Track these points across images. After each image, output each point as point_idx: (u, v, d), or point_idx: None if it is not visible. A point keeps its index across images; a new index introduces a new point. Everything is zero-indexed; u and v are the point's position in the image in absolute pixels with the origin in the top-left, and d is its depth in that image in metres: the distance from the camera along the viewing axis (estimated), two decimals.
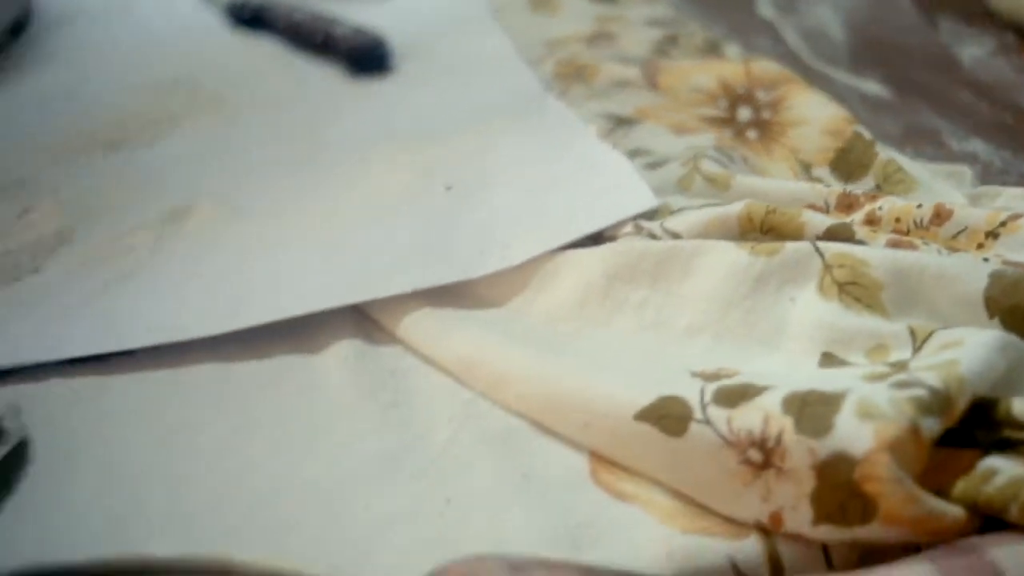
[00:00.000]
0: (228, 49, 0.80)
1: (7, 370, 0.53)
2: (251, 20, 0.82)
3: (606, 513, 0.46)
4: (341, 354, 0.55)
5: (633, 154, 0.62)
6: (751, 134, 0.64)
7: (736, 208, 0.54)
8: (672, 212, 0.56)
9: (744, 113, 0.66)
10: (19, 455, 0.50)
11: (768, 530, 0.45)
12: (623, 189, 0.58)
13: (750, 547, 0.44)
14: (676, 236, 0.55)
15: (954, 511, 0.42)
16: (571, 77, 0.71)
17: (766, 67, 0.68)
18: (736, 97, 0.66)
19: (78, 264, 0.61)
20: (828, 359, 0.48)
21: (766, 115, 0.65)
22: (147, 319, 0.56)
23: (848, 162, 0.60)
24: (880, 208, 0.54)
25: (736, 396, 0.45)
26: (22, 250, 0.62)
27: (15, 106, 0.75)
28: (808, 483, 0.43)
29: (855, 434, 0.42)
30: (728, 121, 0.65)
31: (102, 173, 0.68)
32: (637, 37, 0.74)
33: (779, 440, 0.44)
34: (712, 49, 0.72)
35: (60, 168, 0.68)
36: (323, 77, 0.76)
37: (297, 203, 0.63)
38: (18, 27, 0.83)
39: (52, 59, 0.81)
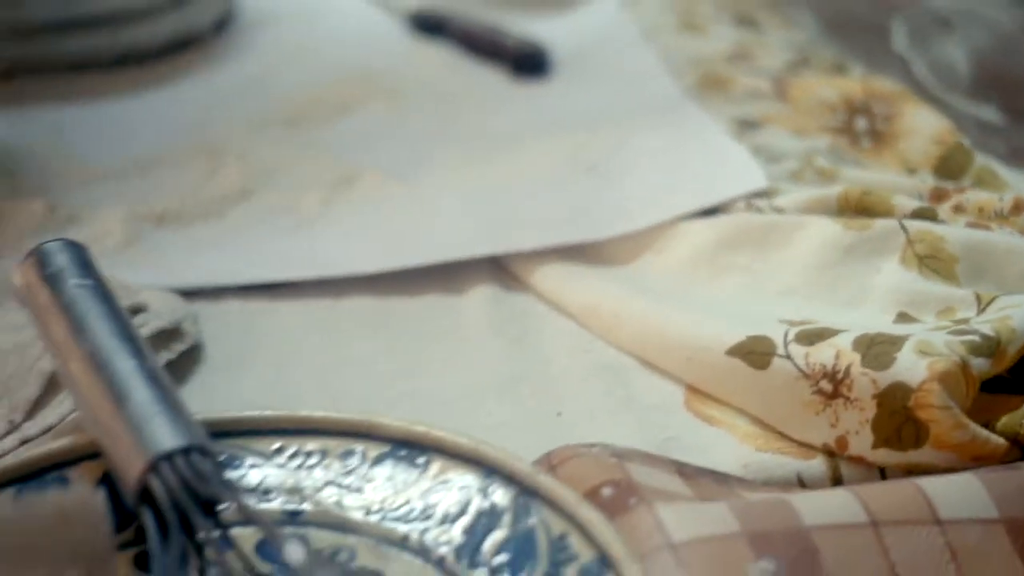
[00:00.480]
0: (405, 50, 0.90)
1: (192, 291, 0.62)
2: (430, 27, 0.91)
3: (694, 432, 0.53)
4: (480, 297, 0.63)
5: (755, 150, 0.69)
6: (865, 143, 0.71)
7: (835, 190, 0.61)
8: (779, 193, 0.64)
9: (860, 123, 0.72)
10: (192, 355, 0.59)
11: (833, 453, 0.51)
12: (738, 172, 0.66)
13: (816, 466, 0.51)
14: (780, 212, 0.62)
15: (996, 440, 0.48)
16: (709, 87, 0.78)
17: (884, 84, 0.75)
18: (854, 109, 0.73)
19: (257, 214, 0.70)
20: (902, 317, 0.55)
21: (880, 126, 0.72)
22: (315, 257, 0.65)
23: (948, 166, 0.67)
24: (967, 199, 0.61)
25: (814, 336, 0.52)
26: (211, 201, 0.71)
27: (215, 87, 0.86)
28: (870, 410, 0.50)
29: (912, 367, 0.49)
30: (845, 130, 0.72)
31: (282, 145, 0.77)
32: (773, 57, 0.81)
33: (847, 373, 0.50)
34: (839, 70, 0.79)
35: (247, 139, 0.78)
36: (489, 78, 0.84)
37: (455, 173, 0.72)
38: (221, 24, 0.94)
39: (249, 52, 0.91)
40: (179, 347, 0.58)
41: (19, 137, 0.78)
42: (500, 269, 0.64)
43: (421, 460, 0.45)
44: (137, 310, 0.57)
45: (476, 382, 0.57)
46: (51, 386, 0.54)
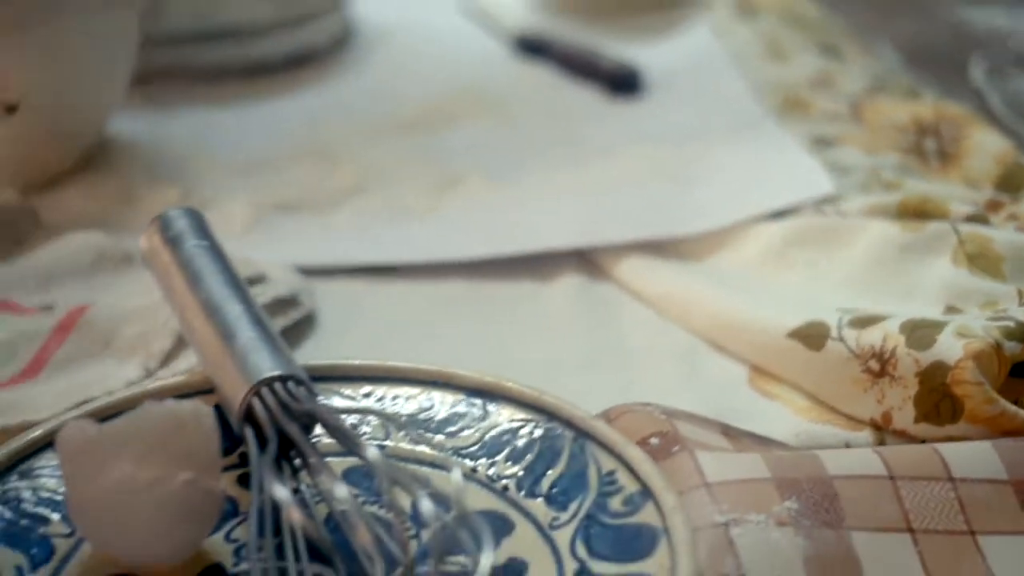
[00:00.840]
0: (509, 69, 0.97)
1: (306, 270, 0.69)
2: (533, 48, 0.98)
3: (753, 405, 0.59)
4: (566, 285, 0.69)
5: (827, 165, 0.75)
6: (933, 162, 0.76)
7: (896, 197, 0.67)
8: (845, 199, 0.69)
9: (929, 144, 0.78)
10: (306, 324, 0.66)
11: (879, 426, 0.56)
12: (807, 180, 0.72)
13: (863, 437, 0.56)
14: (844, 216, 0.68)
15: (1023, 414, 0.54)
16: (790, 109, 0.84)
17: (954, 108, 0.80)
18: (924, 131, 0.79)
19: (368, 207, 0.77)
20: (950, 310, 0.60)
21: (948, 147, 0.77)
22: (419, 245, 0.72)
23: (1007, 183, 0.72)
24: (1021, 210, 0.66)
25: (865, 321, 0.58)
26: (327, 194, 0.78)
27: (333, 98, 0.93)
28: (912, 388, 0.55)
29: (950, 348, 0.54)
30: (914, 150, 0.77)
31: (393, 150, 0.84)
32: (852, 83, 0.87)
33: (893, 353, 0.56)
34: (913, 96, 0.85)
35: (361, 144, 0.85)
36: (586, 96, 0.91)
37: (550, 177, 0.78)
38: (339, 41, 1.01)
39: (364, 67, 0.98)
40: (295, 315, 0.65)
41: (157, 134, 0.85)
42: (586, 261, 0.71)
43: (491, 407, 0.52)
44: (257, 280, 0.64)
45: (557, 359, 0.63)
46: (181, 342, 0.61)
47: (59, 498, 0.47)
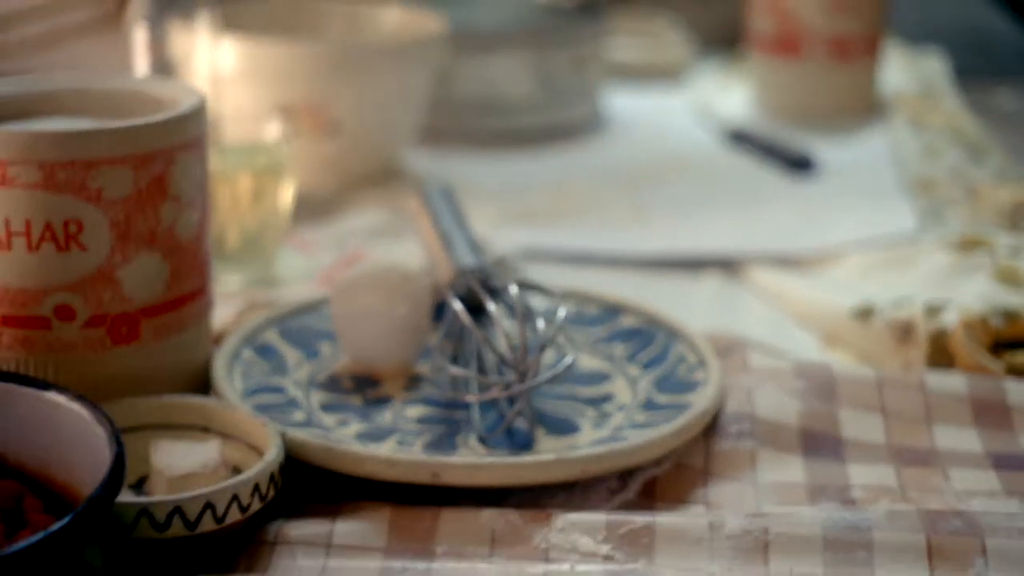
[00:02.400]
0: (717, 152, 1.23)
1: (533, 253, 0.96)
2: (739, 138, 1.23)
3: (819, 355, 0.83)
4: (710, 284, 0.94)
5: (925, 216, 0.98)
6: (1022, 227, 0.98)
7: (960, 232, 0.90)
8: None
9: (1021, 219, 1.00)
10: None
11: None
12: (897, 220, 0.95)
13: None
14: (916, 247, 0.91)
15: (997, 363, 0.75)
16: (920, 189, 1.07)
17: None
18: (1020, 210, 1.01)
19: (591, 222, 1.03)
20: None
21: None
22: (613, 245, 0.98)
23: None
24: None
25: (899, 304, 0.81)
26: (562, 214, 1.05)
27: (577, 164, 1.20)
28: (925, 347, 0.78)
29: (951, 319, 0.77)
30: (1007, 219, 0.99)
31: (614, 198, 1.10)
32: (975, 174, 1.10)
33: (914, 325, 0.79)
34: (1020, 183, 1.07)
35: (592, 194, 1.12)
36: (769, 175, 1.16)
37: (721, 218, 1.04)
38: (589, 122, 1.29)
39: (605, 143, 1.26)
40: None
41: (434, 171, 1.14)
42: (728, 267, 0.95)
43: (619, 318, 0.77)
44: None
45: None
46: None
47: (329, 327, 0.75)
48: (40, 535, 0.45)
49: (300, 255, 0.93)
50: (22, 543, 0.45)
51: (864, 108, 1.32)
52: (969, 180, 1.10)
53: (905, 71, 1.46)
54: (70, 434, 0.55)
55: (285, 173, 0.89)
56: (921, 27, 1.68)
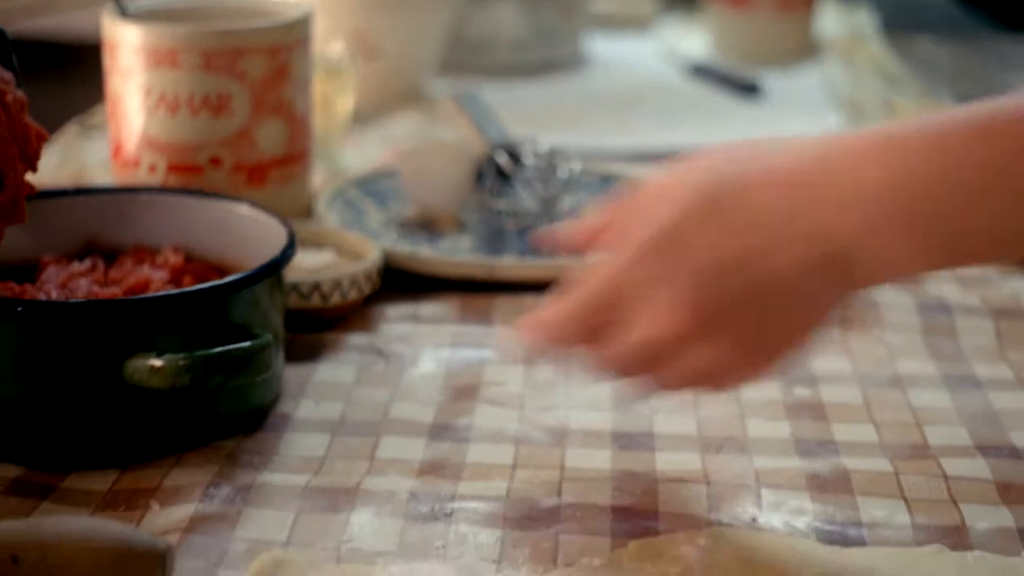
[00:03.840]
0: (682, 82, 1.48)
1: None
2: (699, 71, 1.49)
3: None
4: None
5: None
6: None
7: None
8: None
9: None
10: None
11: None
12: (824, 125, 1.21)
13: None
14: None
15: None
16: (846, 109, 1.33)
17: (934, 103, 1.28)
18: None
19: (566, 129, 1.28)
20: None
21: None
22: (597, 146, 1.23)
23: None
24: None
25: None
26: (558, 124, 1.30)
27: (565, 90, 1.45)
28: None
29: None
30: None
31: (597, 114, 1.35)
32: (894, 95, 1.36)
33: None
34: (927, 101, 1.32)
35: (579, 112, 1.36)
36: (722, 98, 1.41)
37: (679, 130, 1.29)
38: (574, 60, 1.54)
39: (587, 75, 1.51)
40: None
41: (451, 90, 1.39)
42: None
43: (611, 184, 1.03)
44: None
45: None
46: None
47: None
48: (238, 276, 0.69)
49: (355, 152, 1.18)
50: (228, 278, 0.69)
51: (803, 50, 1.57)
52: (888, 101, 1.36)
53: (838, 21, 1.72)
54: (251, 233, 0.78)
55: (347, 84, 1.13)
56: None
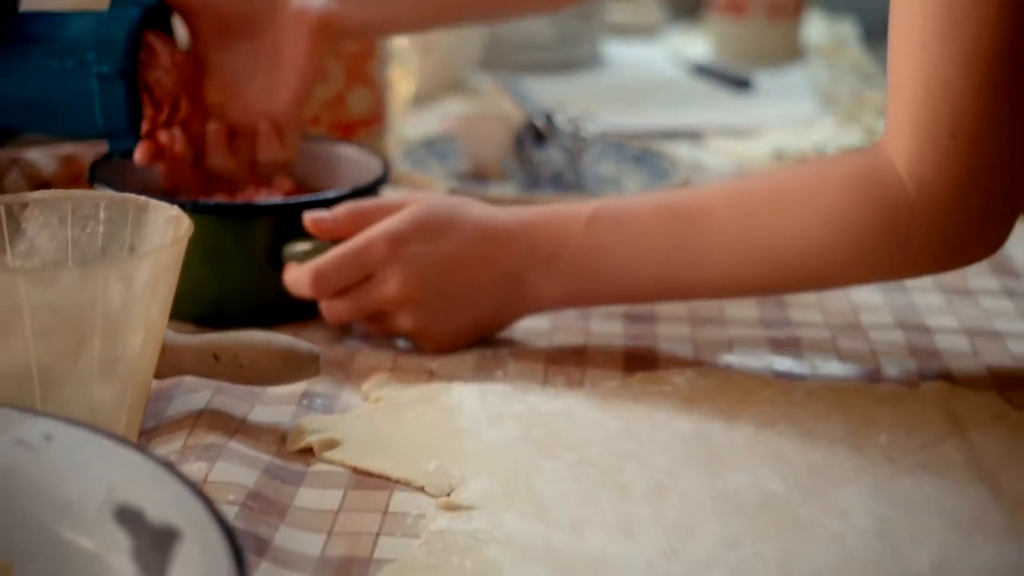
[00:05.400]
0: (685, 79, 1.73)
1: None
2: (701, 71, 1.74)
3: None
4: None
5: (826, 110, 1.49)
6: None
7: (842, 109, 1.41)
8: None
9: None
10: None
11: None
12: (802, 108, 1.46)
13: None
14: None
15: None
16: (826, 102, 1.58)
17: None
18: None
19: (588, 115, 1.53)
20: None
21: None
22: (615, 125, 1.48)
23: None
24: None
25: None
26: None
27: (585, 85, 1.70)
28: None
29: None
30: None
31: (613, 105, 1.60)
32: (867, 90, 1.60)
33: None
34: None
35: (598, 104, 1.61)
36: (719, 92, 1.66)
37: (683, 116, 1.54)
38: (593, 59, 1.79)
39: (605, 74, 1.76)
40: None
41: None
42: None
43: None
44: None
45: None
46: None
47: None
48: (358, 186, 0.94)
49: (414, 126, 1.43)
50: (352, 188, 0.93)
51: (791, 53, 1.82)
52: (858, 93, 1.61)
53: (824, 29, 1.98)
54: (347, 168, 1.02)
55: (409, 72, 1.38)
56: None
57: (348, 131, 1.15)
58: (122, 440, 0.53)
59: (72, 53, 0.90)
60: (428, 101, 1.53)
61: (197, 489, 0.50)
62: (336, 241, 0.87)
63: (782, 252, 0.82)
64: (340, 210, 0.88)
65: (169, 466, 0.51)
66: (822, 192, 0.81)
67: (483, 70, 1.68)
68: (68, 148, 1.04)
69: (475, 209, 0.87)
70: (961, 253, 0.81)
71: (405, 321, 0.87)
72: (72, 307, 0.59)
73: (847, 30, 1.99)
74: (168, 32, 0.95)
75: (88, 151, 1.04)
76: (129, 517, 0.50)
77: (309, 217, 0.88)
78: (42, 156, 1.02)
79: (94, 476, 0.52)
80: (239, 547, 0.47)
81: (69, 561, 0.52)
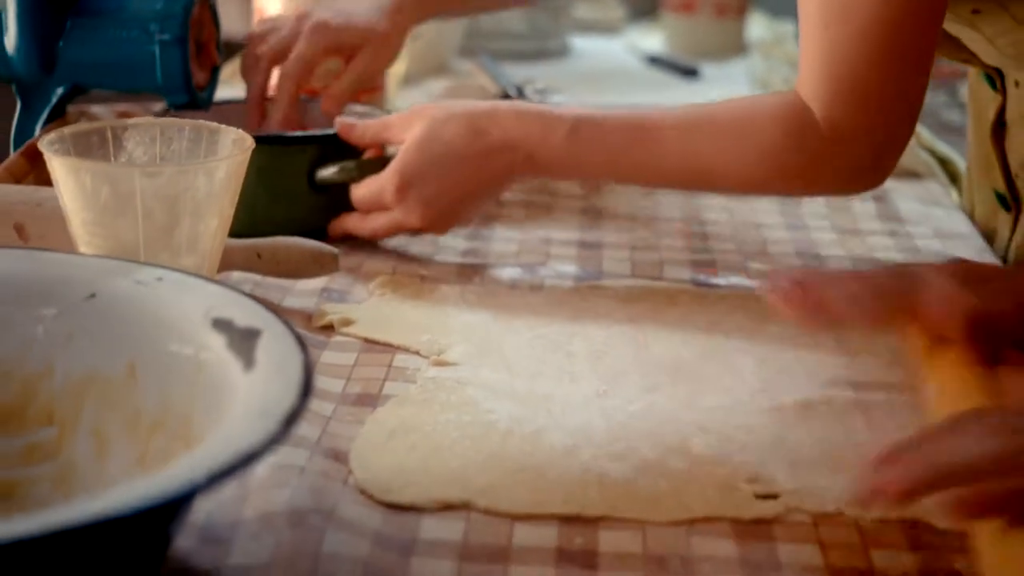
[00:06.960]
0: (640, 68, 1.97)
1: None
2: (654, 61, 1.97)
3: None
4: None
5: None
6: None
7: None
8: None
9: None
10: None
11: None
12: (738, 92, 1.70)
13: None
14: None
15: None
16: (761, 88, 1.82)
17: None
18: None
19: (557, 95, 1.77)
20: None
21: None
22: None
23: None
24: None
25: None
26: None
27: (555, 70, 1.94)
28: None
29: None
30: None
31: (579, 87, 1.84)
32: None
33: None
34: None
35: (566, 84, 1.85)
36: (670, 78, 1.90)
37: (638, 98, 1.78)
38: (562, 49, 2.03)
39: (572, 61, 1.99)
40: None
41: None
42: None
43: None
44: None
45: None
46: None
47: None
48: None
49: (405, 101, 1.66)
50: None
51: (735, 48, 2.06)
52: (788, 79, 1.84)
53: (765, 28, 2.22)
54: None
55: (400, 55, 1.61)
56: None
57: (352, 98, 1.38)
58: (211, 279, 0.76)
59: (137, 24, 1.13)
60: (417, 81, 1.76)
61: (269, 305, 0.72)
62: (358, 164, 1.10)
63: (720, 168, 1.05)
64: (363, 121, 1.13)
65: (247, 294, 0.74)
66: (753, 120, 1.04)
67: (464, 56, 1.91)
68: (123, 105, 1.27)
69: (471, 107, 1.10)
70: (859, 178, 1.06)
71: (415, 223, 1.10)
72: (170, 194, 0.82)
73: (787, 29, 2.23)
74: (212, 7, 1.18)
75: (139, 108, 1.27)
76: (222, 325, 0.73)
77: (340, 121, 1.13)
78: (103, 110, 1.25)
79: (194, 302, 0.75)
80: (302, 339, 0.70)
81: (174, 364, 0.75)
